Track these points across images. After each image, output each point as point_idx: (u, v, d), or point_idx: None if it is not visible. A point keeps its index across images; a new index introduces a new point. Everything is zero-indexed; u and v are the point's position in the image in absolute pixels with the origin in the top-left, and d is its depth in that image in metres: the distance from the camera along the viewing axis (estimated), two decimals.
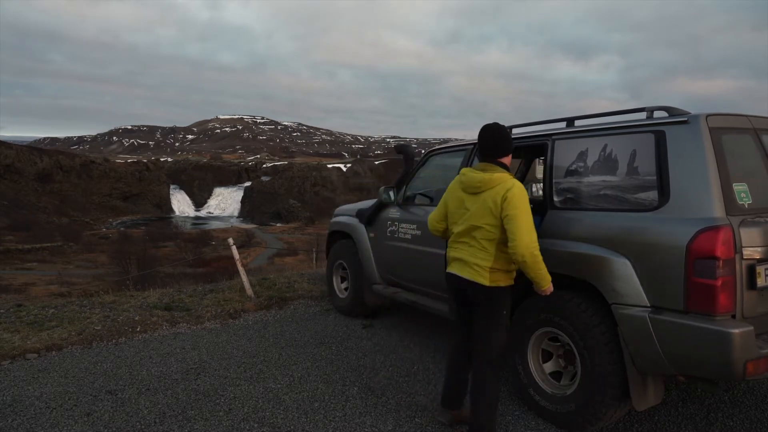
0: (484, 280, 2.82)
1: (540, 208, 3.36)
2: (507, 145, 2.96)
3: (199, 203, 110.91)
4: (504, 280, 2.88)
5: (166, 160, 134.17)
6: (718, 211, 2.55)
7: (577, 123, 3.49)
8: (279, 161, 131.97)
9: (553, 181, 3.35)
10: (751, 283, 2.54)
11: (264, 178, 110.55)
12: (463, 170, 3.01)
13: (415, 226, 4.46)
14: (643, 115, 3.06)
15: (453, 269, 2.99)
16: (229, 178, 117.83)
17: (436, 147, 4.75)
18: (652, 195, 2.80)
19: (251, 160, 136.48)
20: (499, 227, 2.78)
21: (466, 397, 3.10)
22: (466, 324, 3.06)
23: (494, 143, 2.94)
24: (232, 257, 6.69)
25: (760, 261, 2.57)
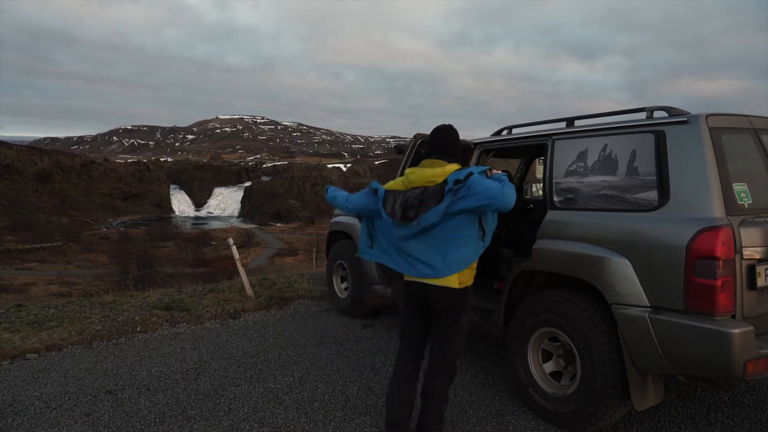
0: (454, 282, 2.64)
1: (540, 208, 3.36)
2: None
3: (199, 203, 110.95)
4: (470, 278, 2.74)
5: (166, 160, 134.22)
6: (718, 211, 2.55)
7: (577, 123, 3.49)
8: (279, 161, 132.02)
9: (553, 181, 3.34)
10: (751, 283, 2.54)
11: (264, 178, 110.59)
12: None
13: None
14: (643, 115, 3.06)
15: (411, 276, 2.75)
16: (229, 178, 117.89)
17: None
18: (652, 195, 2.80)
19: (251, 160, 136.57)
20: None
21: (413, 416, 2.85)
22: (420, 333, 2.88)
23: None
24: (232, 257, 6.70)
25: (760, 261, 2.57)
